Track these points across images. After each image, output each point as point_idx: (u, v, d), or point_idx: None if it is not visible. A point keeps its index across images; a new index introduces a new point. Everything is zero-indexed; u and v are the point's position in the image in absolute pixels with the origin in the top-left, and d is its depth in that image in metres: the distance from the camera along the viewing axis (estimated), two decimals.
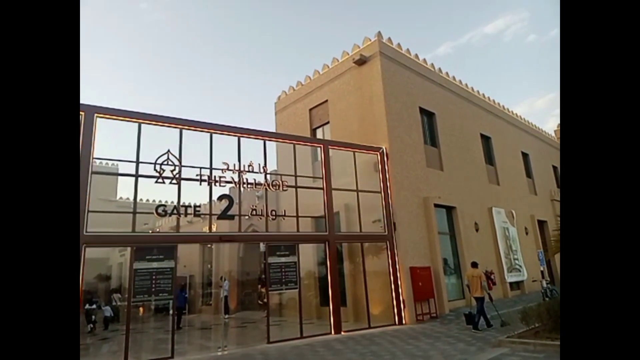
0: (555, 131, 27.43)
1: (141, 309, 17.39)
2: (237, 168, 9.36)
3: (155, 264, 8.10)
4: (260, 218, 9.64)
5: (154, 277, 8.03)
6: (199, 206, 9.26)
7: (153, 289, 8.01)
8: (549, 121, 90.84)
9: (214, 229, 9.75)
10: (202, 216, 9.66)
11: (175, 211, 8.59)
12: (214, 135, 9.30)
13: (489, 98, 19.11)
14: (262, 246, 13.41)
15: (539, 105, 77.48)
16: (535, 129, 23.36)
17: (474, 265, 10.31)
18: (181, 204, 8.76)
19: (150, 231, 14.21)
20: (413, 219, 12.15)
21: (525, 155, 20.67)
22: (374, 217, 11.83)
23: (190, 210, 8.88)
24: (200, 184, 8.92)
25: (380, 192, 11.72)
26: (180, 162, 8.71)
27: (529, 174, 20.58)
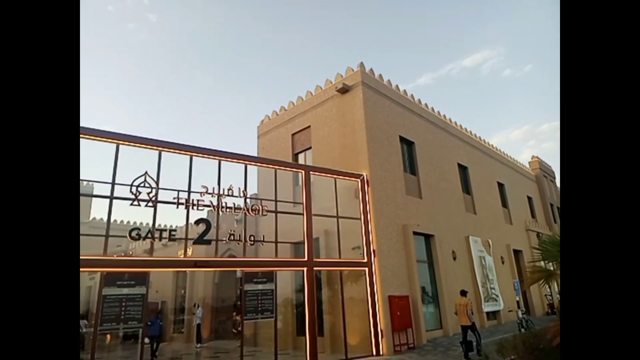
0: (529, 162, 28.44)
1: (108, 336, 16.52)
2: (216, 191, 9.22)
3: (125, 290, 7.77)
4: (238, 243, 9.46)
5: (123, 303, 7.68)
6: (175, 230, 9.04)
7: (122, 317, 7.64)
8: (524, 152, 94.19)
9: (189, 253, 9.49)
10: (177, 240, 9.40)
11: (149, 235, 8.34)
12: (194, 158, 9.18)
13: (466, 129, 19.74)
14: (238, 272, 13.10)
15: (514, 137, 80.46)
16: (510, 160, 24.16)
17: (463, 293, 10.32)
18: (157, 227, 8.51)
19: (122, 254, 13.70)
20: (392, 247, 12.16)
21: (500, 185, 21.25)
22: (353, 243, 11.79)
23: (165, 234, 8.64)
24: (178, 207, 8.73)
25: (361, 219, 11.73)
26: (157, 185, 8.52)
27: (504, 204, 21.11)
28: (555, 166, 32.02)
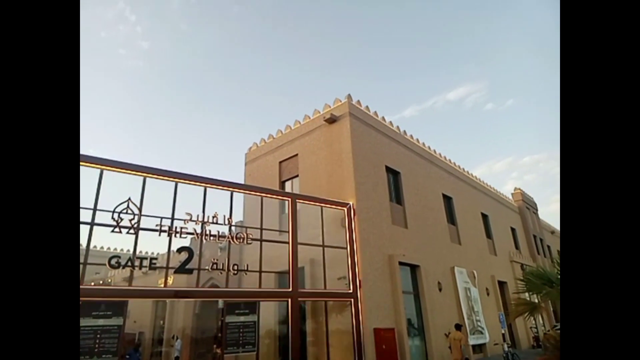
0: (512, 194, 28.99)
1: None
2: (200, 219, 9.08)
3: (101, 321, 7.43)
4: (221, 272, 9.24)
5: (98, 335, 7.33)
6: (156, 258, 8.80)
7: (96, 350, 7.26)
8: (507, 183, 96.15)
9: (170, 282, 9.21)
10: (158, 269, 9.14)
11: (129, 263, 8.09)
12: (179, 184, 9.09)
13: (450, 160, 20.15)
14: (220, 302, 12.73)
15: (498, 168, 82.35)
16: (494, 191, 24.60)
17: (458, 327, 10.15)
18: (138, 254, 8.28)
19: (101, 281, 13.22)
20: (378, 277, 12.05)
21: (484, 216, 21.51)
22: (339, 273, 11.64)
23: (145, 263, 8.40)
24: (160, 235, 8.54)
25: (347, 248, 11.65)
26: (140, 211, 8.36)
27: (488, 235, 21.30)
28: (537, 198, 32.68)
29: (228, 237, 9.42)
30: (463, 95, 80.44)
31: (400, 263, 13.04)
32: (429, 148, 18.53)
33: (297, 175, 14.65)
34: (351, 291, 11.15)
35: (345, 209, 12.08)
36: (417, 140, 17.70)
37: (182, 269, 8.67)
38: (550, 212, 74.65)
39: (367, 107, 14.94)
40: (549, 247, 31.01)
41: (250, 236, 9.76)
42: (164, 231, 8.58)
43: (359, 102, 14.51)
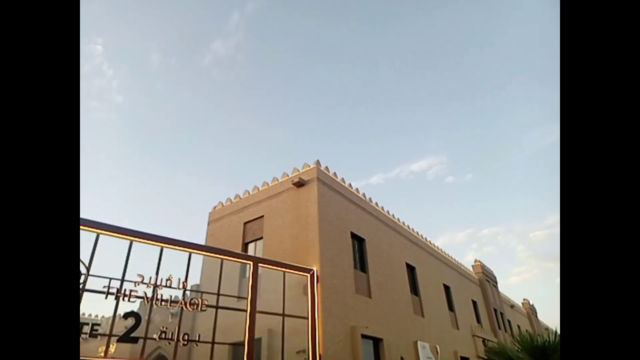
0: (472, 266, 29.50)
1: None
2: (152, 281, 8.48)
3: None
4: (170, 342, 8.46)
5: None
6: (99, 324, 7.99)
7: None
8: (468, 254, 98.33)
9: (111, 351, 8.27)
10: (100, 336, 8.25)
11: None
12: (134, 243, 8.59)
13: (413, 229, 20.52)
14: None
15: (459, 239, 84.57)
16: (455, 262, 24.98)
17: None
18: (80, 318, 7.49)
19: None
20: (340, 350, 11.43)
21: (447, 288, 21.54)
22: (298, 346, 10.95)
23: (86, 329, 7.58)
24: (107, 298, 7.84)
25: (308, 318, 11.11)
26: (88, 271, 7.73)
27: (451, 307, 21.16)
28: (497, 270, 33.36)
29: (181, 303, 8.78)
30: (425, 168, 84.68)
31: (363, 336, 12.53)
32: (394, 216, 18.88)
33: (261, 237, 14.31)
34: None
35: (309, 275, 11.74)
36: (382, 208, 18.06)
37: (126, 337, 7.87)
38: (509, 286, 76.16)
39: (334, 173, 15.31)
40: (509, 321, 31.10)
41: (206, 302, 9.16)
42: (112, 293, 7.90)
43: (327, 168, 14.86)
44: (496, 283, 31.58)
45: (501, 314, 29.47)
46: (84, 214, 8.26)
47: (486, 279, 29.14)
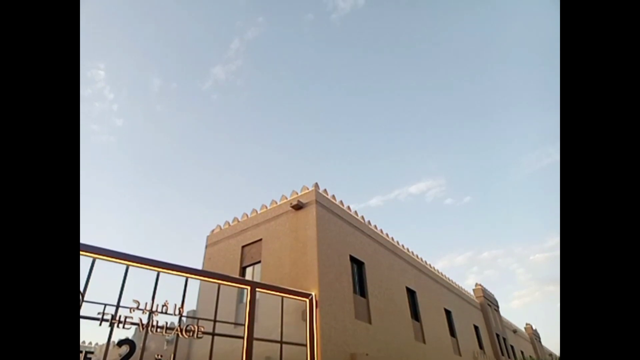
0: (473, 290, 29.10)
1: None
2: (148, 307, 8.31)
3: None
4: None
5: None
6: (92, 352, 7.77)
7: None
8: (469, 277, 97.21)
9: None
10: None
11: None
12: (130, 267, 8.47)
13: (412, 252, 20.33)
14: None
15: (459, 261, 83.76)
16: (456, 286, 24.64)
17: None
18: None
19: None
20: None
21: (448, 313, 21.16)
22: None
23: (80, 357, 7.36)
24: (101, 324, 7.66)
25: (306, 345, 10.85)
26: (82, 297, 7.58)
27: (452, 332, 20.73)
28: (498, 294, 32.96)
29: (177, 330, 8.58)
30: (424, 190, 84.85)
31: None
32: (393, 239, 18.75)
33: (259, 261, 14.14)
34: None
35: (307, 300, 11.54)
36: (381, 230, 17.95)
37: None
38: (511, 310, 74.95)
39: (333, 195, 15.29)
40: (512, 347, 30.42)
41: (202, 329, 8.95)
42: (106, 320, 7.72)
43: (325, 190, 14.85)
44: (498, 307, 31.06)
45: (504, 339, 28.85)
46: (81, 238, 8.17)
47: (487, 303, 28.67)
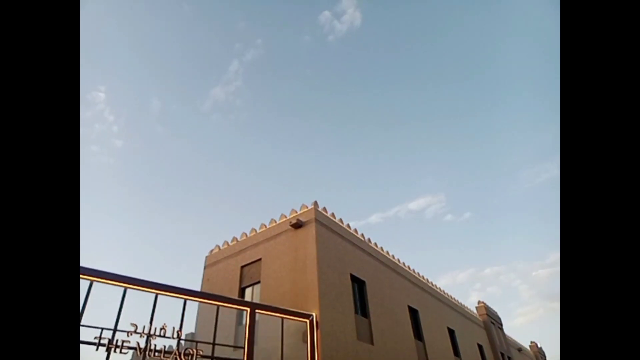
0: (476, 307, 28.67)
1: None
2: (146, 331, 8.15)
3: None
4: None
5: None
6: None
7: None
8: (471, 295, 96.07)
9: None
10: None
11: None
12: (128, 290, 8.34)
13: (414, 270, 20.12)
14: None
15: (461, 279, 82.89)
16: (459, 304, 24.28)
17: None
18: None
19: None
20: None
21: (451, 332, 20.78)
22: None
23: None
24: (97, 349, 7.48)
25: None
26: (80, 321, 7.43)
27: (456, 352, 20.30)
28: (501, 311, 32.47)
29: (175, 354, 8.39)
30: (423, 206, 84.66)
31: None
32: (394, 257, 18.58)
33: (258, 282, 13.95)
34: None
35: (308, 321, 11.33)
36: (382, 248, 17.80)
37: None
38: (514, 327, 73.82)
39: (332, 213, 15.22)
40: None
41: (201, 352, 8.76)
42: (103, 345, 7.55)
43: (324, 208, 14.80)
44: (501, 325, 30.56)
45: (509, 358, 28.27)
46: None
47: (491, 321, 28.21)
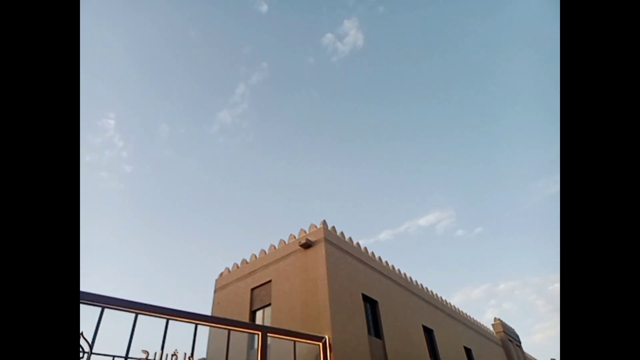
0: (492, 324, 27.88)
1: None
2: (157, 357, 8.05)
3: None
4: None
5: None
6: None
7: None
8: (487, 311, 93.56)
9: None
10: None
11: None
12: (139, 316, 8.29)
13: (427, 288, 19.73)
14: None
15: (475, 295, 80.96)
16: (474, 322, 23.66)
17: None
18: None
19: None
20: None
21: (468, 351, 20.18)
22: None
23: None
24: None
25: None
26: (91, 349, 7.38)
27: None
28: (518, 328, 31.58)
29: None
30: (433, 222, 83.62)
31: None
32: (405, 275, 18.29)
33: (269, 304, 13.78)
34: None
35: (320, 344, 11.11)
36: (393, 266, 17.55)
37: None
38: (533, 344, 71.48)
39: (342, 232, 15.11)
40: None
41: None
42: None
43: (334, 227, 14.71)
44: (520, 342, 29.61)
45: None
46: (88, 287, 8.09)
47: (508, 339, 27.37)
